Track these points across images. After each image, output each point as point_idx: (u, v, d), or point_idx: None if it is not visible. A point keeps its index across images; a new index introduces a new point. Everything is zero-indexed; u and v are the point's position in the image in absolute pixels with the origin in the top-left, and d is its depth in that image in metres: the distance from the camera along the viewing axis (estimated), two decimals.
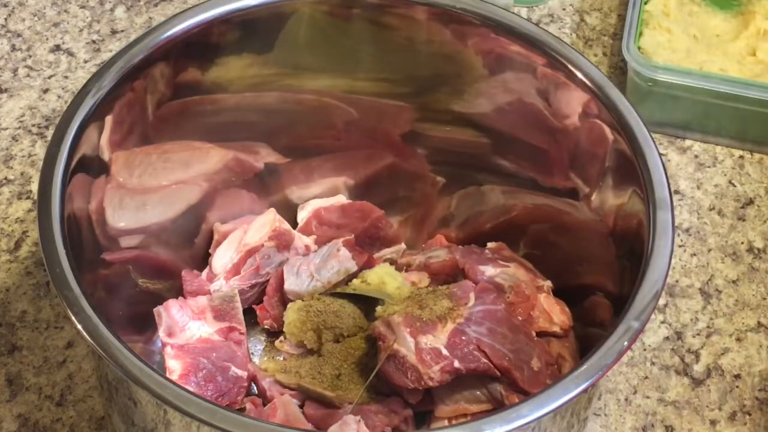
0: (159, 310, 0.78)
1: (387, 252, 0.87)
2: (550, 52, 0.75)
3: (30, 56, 1.02)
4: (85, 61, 1.01)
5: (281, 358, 0.82)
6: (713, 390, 0.83)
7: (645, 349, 0.85)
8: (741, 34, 0.98)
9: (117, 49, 0.88)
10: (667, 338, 0.86)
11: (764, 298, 0.88)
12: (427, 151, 0.85)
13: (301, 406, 0.77)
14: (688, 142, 0.97)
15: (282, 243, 0.83)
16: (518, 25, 0.76)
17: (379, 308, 0.78)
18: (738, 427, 0.82)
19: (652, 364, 0.84)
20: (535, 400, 0.61)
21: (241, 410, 0.76)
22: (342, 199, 0.87)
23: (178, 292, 0.82)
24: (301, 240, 0.84)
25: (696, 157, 0.96)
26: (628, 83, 0.95)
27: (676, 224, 0.68)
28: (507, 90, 0.79)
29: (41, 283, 0.87)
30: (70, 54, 1.02)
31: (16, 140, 0.96)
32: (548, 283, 0.81)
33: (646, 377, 0.84)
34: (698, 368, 0.84)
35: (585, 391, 0.61)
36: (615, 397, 0.83)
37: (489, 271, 0.80)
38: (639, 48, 0.95)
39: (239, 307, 0.79)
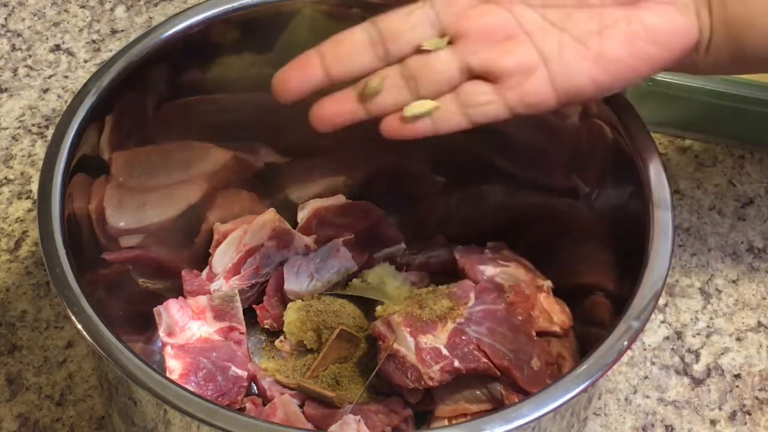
0: (159, 309, 0.78)
1: (387, 252, 0.87)
2: None
3: (30, 56, 1.02)
4: (85, 61, 1.01)
5: (281, 358, 0.82)
6: (713, 390, 0.83)
7: (645, 349, 0.85)
8: None
9: (117, 49, 0.88)
10: (667, 338, 0.86)
11: (764, 298, 0.88)
12: (427, 151, 0.85)
13: (301, 406, 0.77)
14: (688, 142, 0.97)
15: (282, 243, 0.83)
16: None
17: (379, 308, 0.78)
18: (738, 427, 0.82)
19: (652, 363, 0.84)
20: (535, 399, 0.61)
21: (241, 410, 0.76)
22: (342, 198, 0.87)
23: (178, 291, 0.82)
24: (301, 240, 0.84)
25: (696, 156, 0.96)
26: None
27: (676, 224, 0.68)
28: None
29: (41, 283, 0.87)
30: (70, 54, 1.02)
31: (16, 140, 0.96)
32: (548, 283, 0.81)
33: (646, 377, 0.84)
34: (698, 368, 0.84)
35: (585, 390, 0.61)
36: (615, 397, 0.83)
37: (489, 270, 0.80)
38: None
39: (239, 306, 0.79)
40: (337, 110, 0.65)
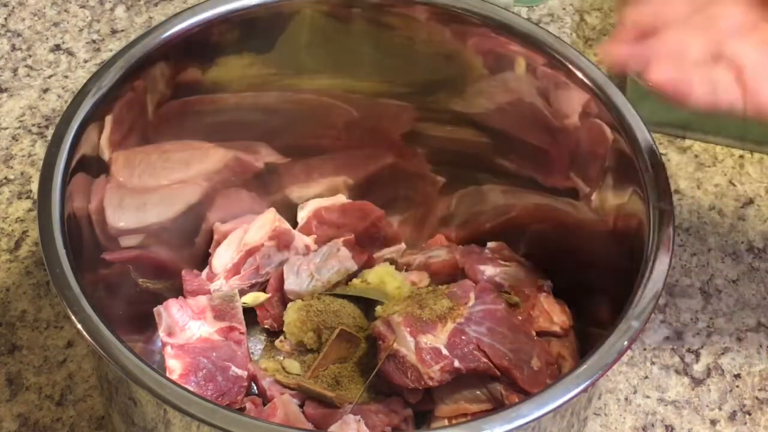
0: (159, 309, 0.78)
1: (387, 252, 0.87)
2: (550, 52, 0.75)
3: (30, 56, 1.02)
4: (85, 61, 1.01)
5: (281, 358, 0.82)
6: (713, 390, 0.83)
7: (645, 349, 0.85)
8: None
9: (117, 49, 0.88)
10: (667, 338, 0.86)
11: (764, 298, 0.88)
12: (427, 151, 0.85)
13: (301, 406, 0.77)
14: (688, 142, 0.97)
15: (282, 243, 0.83)
16: (518, 25, 0.76)
17: (379, 308, 0.78)
18: (738, 426, 0.82)
19: (652, 363, 0.84)
20: (535, 399, 0.61)
21: (241, 410, 0.76)
22: (342, 198, 0.87)
23: (178, 291, 0.82)
24: (301, 240, 0.84)
25: (696, 156, 0.97)
26: (628, 83, 0.95)
27: (676, 224, 0.68)
28: (507, 90, 0.79)
29: (41, 283, 0.87)
30: (70, 54, 1.02)
31: (16, 140, 0.96)
32: (548, 283, 0.81)
33: (646, 377, 0.84)
34: (698, 368, 0.84)
35: (585, 390, 0.61)
36: (615, 397, 0.83)
37: (489, 270, 0.81)
38: None
39: (239, 306, 0.79)
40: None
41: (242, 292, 0.82)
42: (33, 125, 0.97)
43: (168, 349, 0.76)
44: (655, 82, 0.64)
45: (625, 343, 0.63)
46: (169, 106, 0.77)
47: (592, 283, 0.77)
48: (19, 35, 1.03)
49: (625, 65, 0.65)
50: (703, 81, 0.64)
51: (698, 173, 0.95)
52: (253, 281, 0.83)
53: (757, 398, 0.83)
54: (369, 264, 0.85)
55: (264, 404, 0.77)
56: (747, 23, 0.65)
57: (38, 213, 0.66)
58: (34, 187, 0.92)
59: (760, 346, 0.86)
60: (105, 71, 0.72)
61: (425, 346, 0.73)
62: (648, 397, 0.83)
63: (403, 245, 0.87)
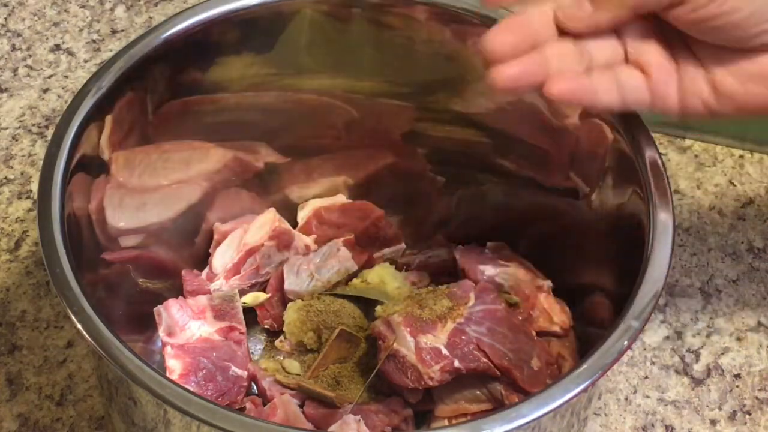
0: (159, 309, 0.78)
1: (387, 252, 0.87)
2: None
3: (30, 56, 1.02)
4: (85, 61, 1.01)
5: (281, 358, 0.82)
6: (713, 390, 0.83)
7: (645, 349, 0.85)
8: None
9: (117, 49, 0.88)
10: (667, 338, 0.86)
11: (764, 298, 0.88)
12: (427, 150, 0.85)
13: (301, 406, 0.77)
14: (688, 142, 0.97)
15: (282, 242, 0.83)
16: None
17: (379, 308, 0.78)
18: (738, 426, 0.82)
19: (652, 363, 0.84)
20: (535, 399, 0.61)
21: (241, 410, 0.76)
22: (342, 198, 0.87)
23: (178, 291, 0.82)
24: (301, 240, 0.84)
25: (696, 156, 0.97)
26: None
27: (676, 224, 0.68)
28: None
29: (41, 283, 0.87)
30: (70, 54, 1.02)
31: (16, 140, 0.96)
32: (548, 283, 0.81)
33: (646, 377, 0.84)
34: (698, 368, 0.84)
35: (585, 390, 0.61)
36: (615, 397, 0.83)
37: (489, 270, 0.81)
38: None
39: (239, 306, 0.79)
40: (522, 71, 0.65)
41: (242, 292, 0.82)
42: (33, 125, 0.97)
43: (168, 349, 0.76)
44: (555, 95, 0.64)
45: (625, 343, 0.63)
46: (169, 106, 0.77)
47: (592, 283, 0.77)
48: (19, 35, 1.03)
49: (518, 85, 0.64)
50: (608, 85, 0.65)
51: (698, 173, 0.95)
52: (253, 281, 0.83)
53: (757, 398, 0.83)
54: (369, 264, 0.85)
55: (264, 404, 0.77)
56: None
57: (38, 213, 0.66)
58: (34, 187, 0.92)
59: (760, 346, 0.86)
60: (105, 71, 0.72)
61: (425, 346, 0.73)
62: (648, 397, 0.83)
63: (403, 245, 0.87)
